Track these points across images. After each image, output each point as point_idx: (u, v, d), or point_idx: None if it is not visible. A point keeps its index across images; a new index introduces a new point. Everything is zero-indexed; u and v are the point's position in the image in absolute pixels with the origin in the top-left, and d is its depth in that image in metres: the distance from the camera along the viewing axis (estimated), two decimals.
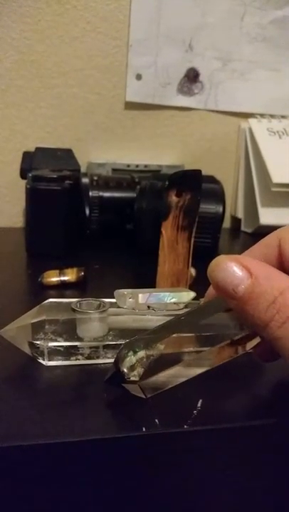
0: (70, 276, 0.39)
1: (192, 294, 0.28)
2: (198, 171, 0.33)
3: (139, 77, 0.60)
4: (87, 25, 0.57)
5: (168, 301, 0.27)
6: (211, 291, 0.25)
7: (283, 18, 0.61)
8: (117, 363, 0.22)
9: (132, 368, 0.22)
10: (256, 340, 0.24)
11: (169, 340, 0.23)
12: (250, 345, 0.28)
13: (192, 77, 0.61)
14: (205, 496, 0.24)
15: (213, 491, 0.24)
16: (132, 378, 0.22)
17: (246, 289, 0.20)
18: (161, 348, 0.23)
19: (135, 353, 0.22)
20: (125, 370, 0.22)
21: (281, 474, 0.25)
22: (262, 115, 0.61)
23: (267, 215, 0.57)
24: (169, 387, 0.23)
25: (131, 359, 0.22)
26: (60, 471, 0.22)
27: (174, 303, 0.27)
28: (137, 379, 0.22)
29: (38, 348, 0.26)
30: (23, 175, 0.49)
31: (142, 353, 0.22)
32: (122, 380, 0.22)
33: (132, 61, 0.59)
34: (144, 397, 0.23)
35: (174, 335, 0.23)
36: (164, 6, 0.58)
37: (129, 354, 0.22)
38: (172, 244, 0.34)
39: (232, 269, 0.21)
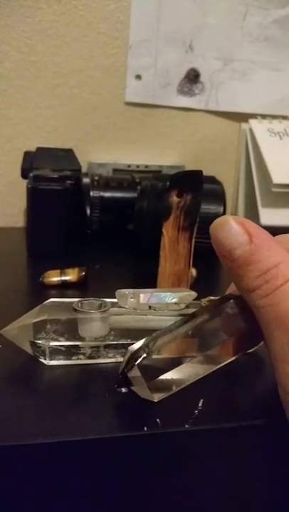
0: (71, 276, 0.39)
1: (193, 295, 0.28)
2: (199, 172, 0.33)
3: (138, 77, 0.60)
4: (87, 26, 0.57)
5: (169, 302, 0.27)
6: (232, 286, 0.26)
7: (286, 17, 0.61)
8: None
9: (134, 354, 0.22)
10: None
11: (175, 342, 0.23)
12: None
13: (192, 77, 0.61)
14: (206, 495, 0.24)
15: (214, 490, 0.24)
16: (133, 364, 0.22)
17: (242, 254, 0.21)
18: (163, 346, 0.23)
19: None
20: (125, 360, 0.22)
21: (282, 474, 0.25)
22: (263, 116, 0.61)
23: (267, 216, 0.57)
24: (178, 389, 0.23)
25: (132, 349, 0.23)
26: (61, 471, 0.22)
27: (175, 303, 0.27)
28: (139, 362, 0.22)
29: (40, 347, 0.26)
30: (24, 175, 0.49)
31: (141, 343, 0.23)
32: (125, 374, 0.22)
33: (131, 62, 0.59)
34: (153, 400, 0.23)
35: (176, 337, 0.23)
36: (164, 6, 0.58)
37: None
38: (173, 245, 0.34)
39: (234, 231, 0.21)
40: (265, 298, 0.20)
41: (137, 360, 0.22)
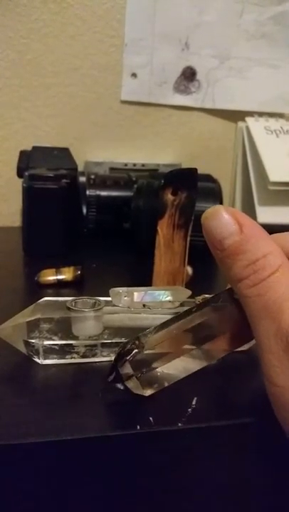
0: (66, 275, 0.39)
1: (188, 293, 0.28)
2: (194, 169, 0.33)
3: (134, 75, 0.60)
4: (83, 24, 0.57)
5: (163, 300, 0.27)
6: None
7: (282, 13, 0.61)
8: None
9: (126, 349, 0.22)
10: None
11: (167, 338, 0.23)
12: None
13: (189, 75, 0.61)
14: (200, 494, 0.24)
15: (207, 489, 0.24)
16: (126, 359, 0.22)
17: (232, 244, 0.21)
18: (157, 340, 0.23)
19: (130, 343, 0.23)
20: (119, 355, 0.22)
21: (278, 472, 0.25)
22: (259, 114, 0.61)
23: (264, 214, 0.56)
24: (169, 384, 0.23)
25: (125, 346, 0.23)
26: (54, 469, 0.22)
27: (170, 301, 0.27)
28: (130, 358, 0.22)
29: (34, 346, 0.26)
30: (19, 174, 0.49)
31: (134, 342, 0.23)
32: (117, 370, 0.22)
33: (127, 60, 0.59)
34: (144, 394, 0.23)
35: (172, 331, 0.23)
36: (160, 4, 0.58)
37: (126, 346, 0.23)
38: (168, 243, 0.33)
39: (225, 221, 0.21)
40: (253, 288, 0.20)
41: (129, 355, 0.22)
